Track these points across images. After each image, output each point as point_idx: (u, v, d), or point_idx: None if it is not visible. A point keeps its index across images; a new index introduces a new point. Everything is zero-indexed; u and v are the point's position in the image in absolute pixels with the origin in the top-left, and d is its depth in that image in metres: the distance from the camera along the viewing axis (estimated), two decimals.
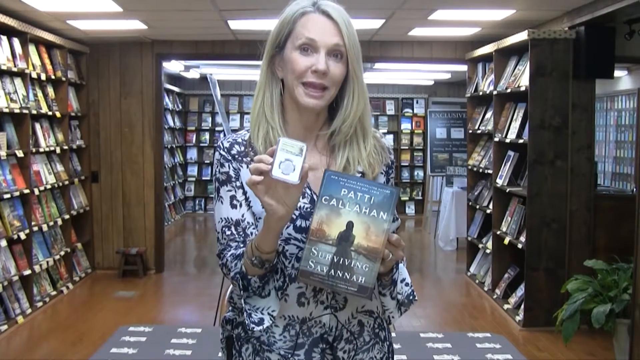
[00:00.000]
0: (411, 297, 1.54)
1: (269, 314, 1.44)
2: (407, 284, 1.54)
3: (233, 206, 1.50)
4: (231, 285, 1.59)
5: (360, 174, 1.52)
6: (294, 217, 1.46)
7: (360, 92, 1.50)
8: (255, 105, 1.53)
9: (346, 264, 1.34)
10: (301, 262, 1.36)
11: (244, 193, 1.51)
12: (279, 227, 1.35)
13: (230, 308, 1.63)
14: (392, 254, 1.37)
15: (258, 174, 1.28)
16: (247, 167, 1.49)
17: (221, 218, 1.52)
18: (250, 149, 1.52)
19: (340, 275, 1.35)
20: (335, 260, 1.34)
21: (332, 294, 1.49)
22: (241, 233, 1.49)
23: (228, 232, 1.50)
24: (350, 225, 1.34)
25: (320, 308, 1.49)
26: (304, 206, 1.48)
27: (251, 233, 1.49)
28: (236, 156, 1.52)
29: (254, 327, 1.43)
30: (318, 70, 1.43)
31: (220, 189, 1.52)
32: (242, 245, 1.48)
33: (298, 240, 1.46)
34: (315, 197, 1.48)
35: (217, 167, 1.53)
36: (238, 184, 1.51)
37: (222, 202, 1.52)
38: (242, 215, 1.50)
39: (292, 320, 1.50)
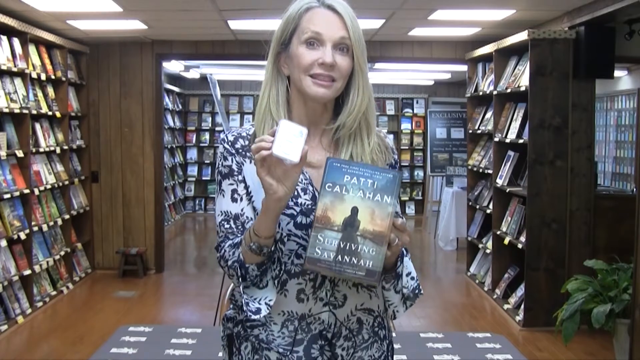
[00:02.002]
0: (417, 291, 1.55)
1: (266, 303, 1.45)
2: (412, 278, 1.54)
3: (234, 200, 1.51)
4: (232, 284, 1.60)
5: None
6: (295, 213, 1.46)
7: (365, 86, 1.51)
8: (262, 102, 1.53)
9: (353, 249, 1.35)
10: (307, 250, 1.36)
11: (246, 187, 1.51)
12: (278, 209, 1.36)
13: (231, 306, 1.63)
14: (398, 238, 1.38)
15: (263, 150, 1.30)
16: (250, 161, 1.50)
17: (221, 211, 1.52)
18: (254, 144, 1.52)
19: (348, 260, 1.35)
20: (342, 246, 1.35)
21: (332, 290, 1.49)
22: (240, 227, 1.50)
23: (227, 226, 1.51)
24: (354, 210, 1.35)
25: (320, 305, 1.49)
26: (305, 203, 1.48)
27: None
28: (240, 150, 1.52)
29: (251, 315, 1.43)
30: (325, 62, 1.44)
31: (222, 182, 1.53)
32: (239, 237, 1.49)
33: (298, 237, 1.47)
34: (317, 194, 1.49)
35: (221, 160, 1.54)
36: (240, 177, 1.51)
37: (223, 196, 1.52)
38: (242, 210, 1.50)
39: (291, 316, 1.50)
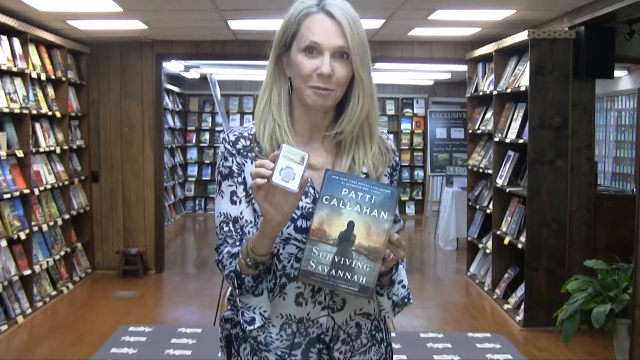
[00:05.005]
0: (406, 300, 1.54)
1: (260, 313, 1.46)
2: (403, 286, 1.54)
3: (233, 202, 1.50)
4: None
5: (364, 175, 1.52)
6: (295, 217, 1.46)
7: (366, 93, 1.48)
8: (261, 103, 1.52)
9: (347, 263, 1.34)
10: (302, 262, 1.36)
11: (245, 189, 1.50)
12: (275, 232, 1.37)
13: (229, 307, 1.63)
14: (393, 253, 1.37)
15: (259, 178, 1.29)
16: (252, 162, 1.49)
17: (220, 213, 1.52)
18: (255, 144, 1.51)
19: (342, 275, 1.35)
20: (336, 260, 1.34)
21: (331, 294, 1.49)
22: (239, 230, 1.49)
23: (226, 229, 1.50)
24: (351, 225, 1.34)
25: (318, 309, 1.49)
26: (305, 206, 1.47)
27: (249, 232, 1.49)
28: (241, 150, 1.51)
29: (246, 326, 1.45)
30: (323, 73, 1.43)
31: (222, 183, 1.52)
32: (238, 243, 1.48)
33: (298, 241, 1.46)
34: (318, 196, 1.49)
35: (221, 160, 1.53)
36: (240, 179, 1.50)
37: (222, 197, 1.52)
38: (241, 213, 1.50)
39: (289, 319, 1.50)
